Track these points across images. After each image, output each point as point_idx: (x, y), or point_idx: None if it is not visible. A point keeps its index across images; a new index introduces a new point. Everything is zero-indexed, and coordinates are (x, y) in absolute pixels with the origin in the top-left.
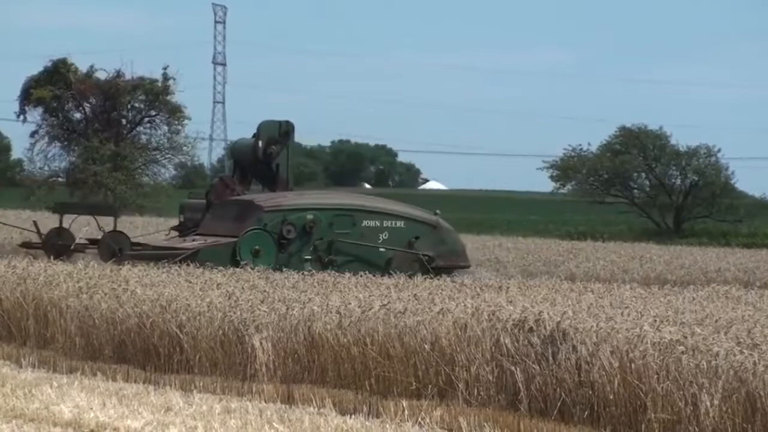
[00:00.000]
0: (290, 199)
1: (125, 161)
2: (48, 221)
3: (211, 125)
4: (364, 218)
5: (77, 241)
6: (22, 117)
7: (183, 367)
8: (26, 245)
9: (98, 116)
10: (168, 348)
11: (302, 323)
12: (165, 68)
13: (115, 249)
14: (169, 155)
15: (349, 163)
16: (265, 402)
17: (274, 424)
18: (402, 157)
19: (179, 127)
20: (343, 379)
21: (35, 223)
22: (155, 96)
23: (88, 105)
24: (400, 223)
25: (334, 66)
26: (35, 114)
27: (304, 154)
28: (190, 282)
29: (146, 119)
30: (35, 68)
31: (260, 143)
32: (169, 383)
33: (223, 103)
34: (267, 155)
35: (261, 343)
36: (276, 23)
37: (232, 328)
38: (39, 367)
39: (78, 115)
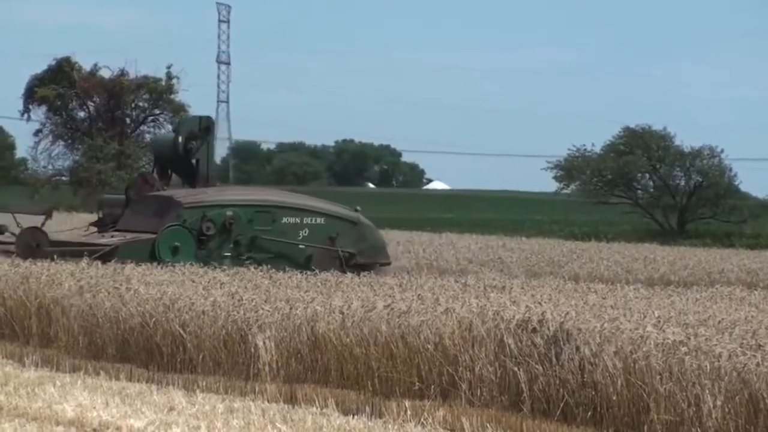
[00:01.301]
0: (210, 196)
1: (129, 160)
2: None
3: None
4: (284, 215)
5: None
6: (26, 115)
7: (186, 366)
8: None
9: (102, 115)
10: (171, 347)
11: (305, 323)
12: (169, 67)
13: (32, 245)
14: None
15: (353, 163)
16: (268, 402)
17: (276, 424)
18: (406, 157)
19: None
20: (346, 379)
21: None
22: (159, 95)
23: (92, 104)
24: (320, 220)
25: (338, 65)
26: (39, 112)
27: (308, 153)
28: (194, 281)
29: (150, 118)
30: (39, 67)
31: (180, 138)
32: (172, 383)
33: (228, 102)
34: (187, 151)
35: (264, 343)
36: (280, 22)
37: (236, 327)
38: (42, 366)
39: (82, 114)
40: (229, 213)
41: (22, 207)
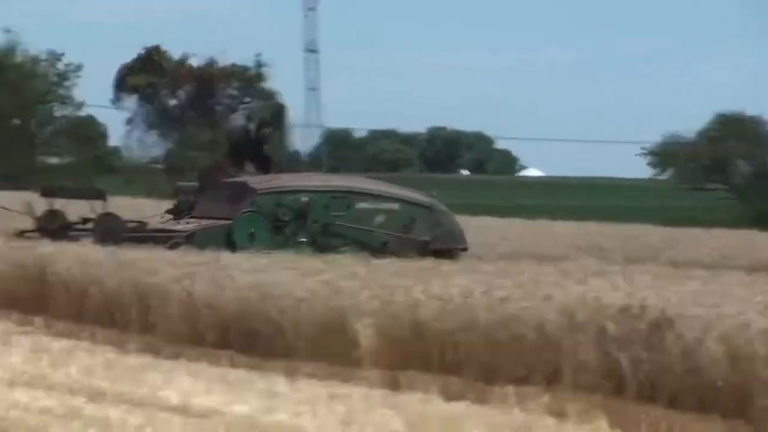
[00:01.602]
0: (284, 182)
1: (222, 147)
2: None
3: (306, 112)
4: (360, 200)
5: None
6: (118, 104)
7: (287, 353)
8: (21, 233)
9: (193, 103)
10: (271, 334)
11: (405, 310)
12: (258, 55)
13: (108, 231)
14: None
15: (446, 150)
16: (371, 388)
17: (380, 409)
18: (499, 144)
19: None
20: (447, 366)
21: (29, 204)
22: (249, 83)
23: (183, 92)
24: (395, 206)
25: (431, 52)
26: (131, 101)
27: (400, 140)
28: (292, 268)
29: (241, 106)
30: (129, 56)
31: (252, 125)
32: (274, 369)
33: (317, 89)
34: (260, 137)
35: (364, 330)
36: (371, 9)
37: (335, 314)
38: (143, 352)
39: (173, 102)
40: (304, 199)
41: (76, 191)
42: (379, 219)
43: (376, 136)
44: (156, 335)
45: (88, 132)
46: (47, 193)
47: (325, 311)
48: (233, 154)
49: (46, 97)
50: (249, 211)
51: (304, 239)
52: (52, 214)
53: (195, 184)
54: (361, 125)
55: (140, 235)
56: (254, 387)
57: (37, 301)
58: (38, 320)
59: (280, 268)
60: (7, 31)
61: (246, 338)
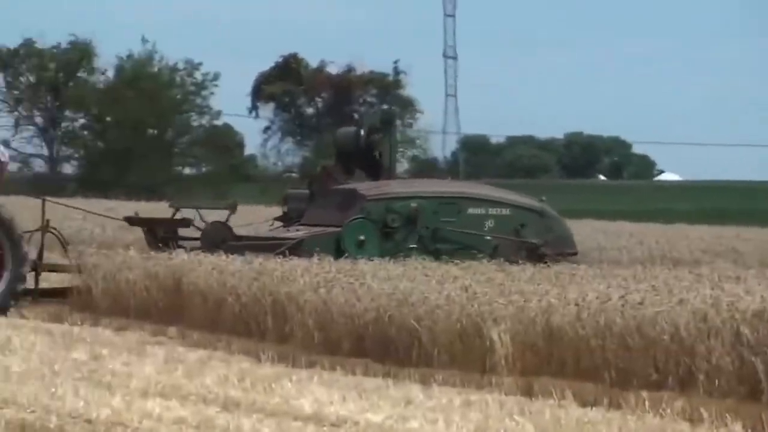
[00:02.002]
0: (394, 188)
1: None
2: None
3: (444, 118)
4: (470, 206)
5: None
6: (254, 113)
7: (422, 360)
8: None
9: (330, 111)
10: (406, 342)
11: (540, 315)
12: (396, 62)
13: (217, 240)
14: (402, 149)
15: (583, 156)
16: (505, 395)
17: (514, 416)
18: (636, 149)
19: (411, 121)
20: (582, 371)
21: (137, 213)
22: (387, 90)
23: (320, 100)
24: (505, 211)
25: (567, 58)
26: (267, 110)
27: (537, 146)
28: (427, 275)
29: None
30: (266, 64)
31: (362, 132)
32: (409, 377)
33: (455, 96)
34: (369, 144)
35: (499, 336)
36: (507, 14)
37: (470, 321)
38: (278, 362)
39: (310, 110)
40: (413, 205)
41: (206, 203)
42: (490, 224)
43: (514, 142)
44: (291, 344)
45: (225, 141)
46: (176, 204)
47: (461, 318)
48: (343, 160)
49: (183, 107)
50: (358, 218)
51: (414, 245)
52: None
53: (304, 191)
54: (498, 131)
55: (248, 243)
56: (388, 395)
57: (172, 311)
58: (172, 330)
59: (416, 275)
60: (145, 40)
61: (381, 346)
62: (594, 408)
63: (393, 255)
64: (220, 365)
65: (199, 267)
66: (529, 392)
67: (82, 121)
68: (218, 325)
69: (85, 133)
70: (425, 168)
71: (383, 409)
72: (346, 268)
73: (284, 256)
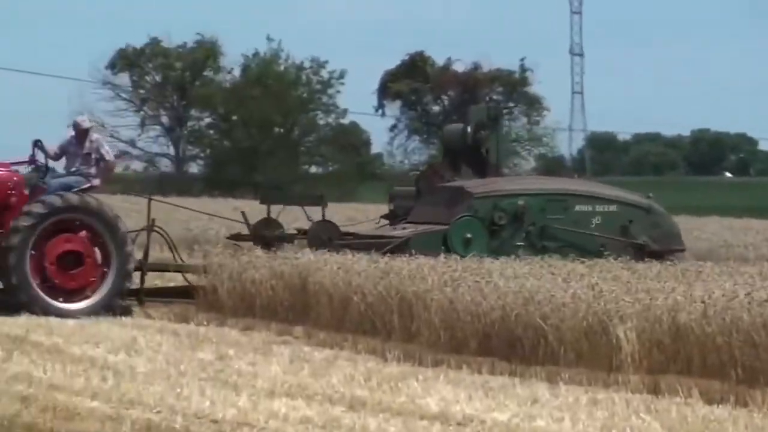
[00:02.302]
0: (501, 185)
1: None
2: (256, 213)
3: (570, 116)
4: (577, 203)
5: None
6: (380, 111)
7: (548, 358)
8: (235, 237)
9: (457, 109)
10: (532, 340)
11: (666, 313)
12: (522, 59)
13: (324, 238)
14: (529, 147)
15: (709, 153)
16: (631, 393)
17: (641, 414)
18: (763, 145)
19: (538, 118)
20: (708, 369)
21: (243, 213)
22: (513, 87)
23: (447, 98)
24: (612, 208)
25: (693, 54)
26: (394, 108)
27: (664, 143)
28: (553, 273)
29: (505, 111)
30: (393, 62)
31: (469, 128)
32: (535, 375)
33: (582, 93)
34: (476, 140)
35: (626, 334)
36: (634, 10)
37: (597, 319)
38: (404, 360)
39: (436, 108)
40: (520, 202)
41: (294, 198)
42: (597, 221)
43: (640, 139)
44: (417, 343)
45: (352, 139)
46: (266, 200)
47: (587, 316)
48: (450, 157)
49: (310, 105)
50: (466, 216)
51: (521, 243)
52: (267, 221)
53: (411, 188)
54: (624, 128)
55: (354, 241)
56: (514, 394)
57: (298, 310)
58: (298, 330)
59: (542, 273)
60: (270, 39)
61: (507, 345)
62: (720, 406)
63: (499, 253)
64: (346, 364)
65: (325, 266)
66: (655, 390)
67: (208, 120)
68: (344, 324)
69: (211, 132)
70: (552, 166)
71: (509, 408)
72: (472, 266)
73: (389, 254)
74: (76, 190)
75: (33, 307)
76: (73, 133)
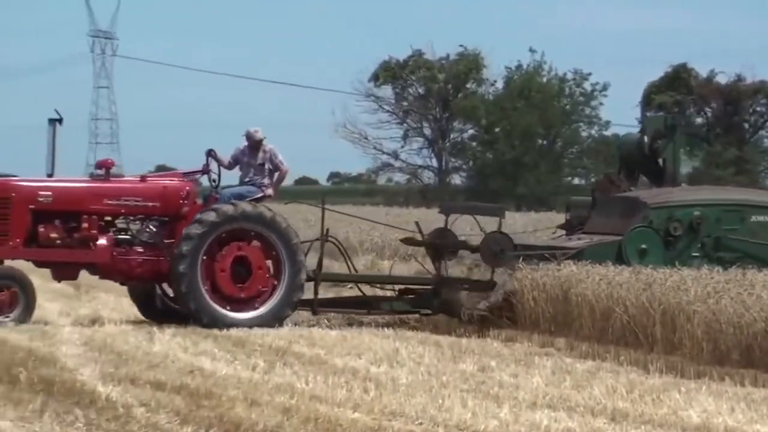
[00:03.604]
0: (676, 195)
1: (749, 165)
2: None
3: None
4: (753, 213)
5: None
6: (642, 123)
7: None
8: (408, 241)
9: (720, 120)
10: None
11: None
12: None
13: (496, 250)
14: None
15: None
16: None
17: None
18: None
19: None
20: None
21: (417, 223)
22: None
23: (710, 109)
24: None
25: None
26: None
27: None
28: None
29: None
30: (656, 74)
31: (646, 138)
32: None
33: None
34: (653, 150)
35: None
36: None
37: None
38: (666, 372)
39: (699, 120)
40: (696, 213)
41: (475, 207)
42: None
43: None
44: (679, 355)
45: (614, 151)
46: (445, 210)
47: None
48: (626, 167)
49: (572, 117)
50: (641, 227)
51: (696, 254)
52: (442, 231)
53: (588, 198)
54: None
55: (529, 253)
56: None
57: (560, 322)
58: (561, 341)
59: None
60: (532, 50)
61: None
62: None
63: (674, 264)
64: (609, 376)
65: (587, 278)
66: None
67: (470, 131)
68: (606, 335)
69: (474, 144)
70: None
71: None
72: (735, 278)
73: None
74: (249, 199)
75: (201, 315)
76: (246, 143)
